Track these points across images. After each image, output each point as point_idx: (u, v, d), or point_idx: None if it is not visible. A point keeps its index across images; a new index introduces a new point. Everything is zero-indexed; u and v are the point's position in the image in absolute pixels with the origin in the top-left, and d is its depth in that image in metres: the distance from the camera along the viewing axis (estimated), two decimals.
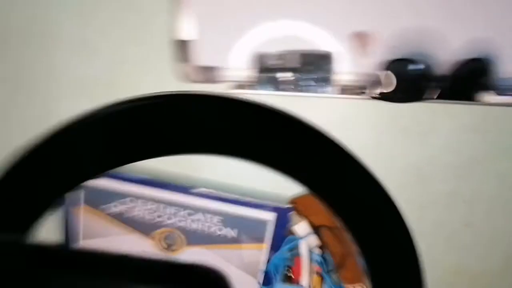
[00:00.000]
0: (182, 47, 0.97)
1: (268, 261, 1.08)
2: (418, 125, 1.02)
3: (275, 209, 1.05)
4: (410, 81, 0.89)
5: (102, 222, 1.12)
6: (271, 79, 0.93)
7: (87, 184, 0.33)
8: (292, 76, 0.92)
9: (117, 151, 0.32)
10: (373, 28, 0.92)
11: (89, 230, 1.14)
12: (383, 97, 0.90)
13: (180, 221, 1.09)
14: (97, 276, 0.22)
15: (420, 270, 0.33)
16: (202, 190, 1.07)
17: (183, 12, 0.94)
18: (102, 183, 1.09)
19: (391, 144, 1.04)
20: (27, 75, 1.07)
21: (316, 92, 0.93)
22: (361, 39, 0.92)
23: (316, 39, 0.94)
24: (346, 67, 0.94)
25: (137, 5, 0.99)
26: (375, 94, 0.90)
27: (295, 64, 0.93)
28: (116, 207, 1.11)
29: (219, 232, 1.08)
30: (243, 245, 1.08)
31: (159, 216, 1.09)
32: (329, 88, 0.92)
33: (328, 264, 1.06)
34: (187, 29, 0.95)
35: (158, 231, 1.11)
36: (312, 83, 0.92)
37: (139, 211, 1.10)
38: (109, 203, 1.11)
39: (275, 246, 1.07)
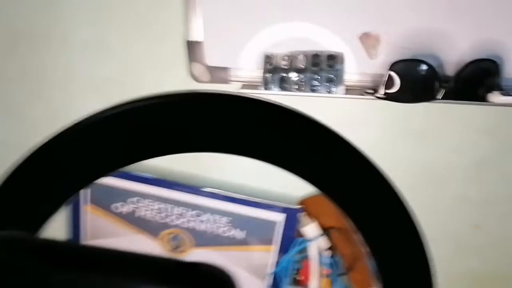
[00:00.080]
0: (193, 48, 0.97)
1: (277, 263, 1.08)
2: (426, 126, 1.02)
3: (284, 210, 1.05)
4: (418, 81, 0.89)
5: (109, 222, 1.12)
6: (279, 80, 0.93)
7: (94, 183, 0.33)
8: (300, 77, 0.92)
9: (127, 149, 0.31)
10: (381, 29, 0.91)
11: (95, 230, 1.14)
12: (391, 97, 0.90)
13: (187, 221, 1.09)
14: (101, 274, 0.22)
15: (431, 273, 0.33)
16: (210, 190, 1.07)
17: (194, 14, 0.94)
18: (109, 182, 1.09)
19: (399, 145, 1.03)
20: (43, 76, 1.09)
21: (324, 92, 0.92)
22: (369, 40, 0.92)
23: (325, 40, 0.93)
24: (355, 68, 0.94)
25: (150, 7, 0.99)
26: (383, 94, 0.90)
27: (304, 64, 0.93)
28: (123, 207, 1.11)
29: (227, 233, 1.08)
30: (251, 247, 1.08)
31: (166, 217, 1.09)
32: (337, 89, 0.92)
33: (338, 266, 1.06)
34: (198, 31, 0.96)
35: (165, 231, 1.11)
36: (321, 83, 0.92)
37: (146, 211, 1.10)
38: (116, 202, 1.11)
39: (284, 248, 1.07)
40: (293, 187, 1.05)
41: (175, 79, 1.02)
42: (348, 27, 0.92)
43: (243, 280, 1.10)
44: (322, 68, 0.92)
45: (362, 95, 0.94)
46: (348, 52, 0.93)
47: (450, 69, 0.91)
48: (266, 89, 0.94)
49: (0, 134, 1.16)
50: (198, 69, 0.98)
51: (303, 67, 0.93)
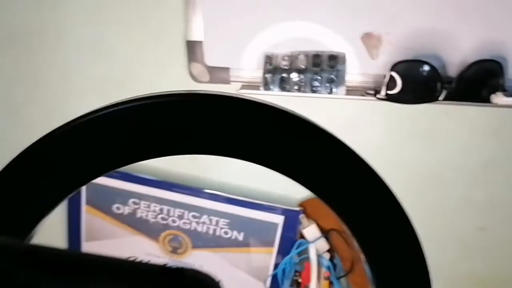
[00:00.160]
0: (193, 48, 0.97)
1: (277, 265, 1.07)
2: (430, 128, 1.01)
3: (284, 211, 1.04)
4: (419, 82, 0.88)
5: (108, 224, 1.12)
6: (280, 80, 0.92)
7: (89, 184, 0.32)
8: (301, 77, 0.91)
9: (122, 149, 0.31)
10: (383, 29, 0.90)
11: (94, 231, 1.13)
12: (392, 98, 0.89)
13: (187, 223, 1.08)
14: (83, 281, 0.21)
15: (428, 279, 0.32)
16: (210, 191, 1.06)
17: (194, 13, 0.94)
18: (109, 183, 1.09)
19: (402, 146, 1.03)
20: (38, 75, 1.08)
21: (325, 93, 0.91)
22: (371, 40, 0.91)
23: (326, 40, 0.93)
24: (356, 68, 0.93)
25: (149, 6, 0.99)
26: (385, 95, 0.89)
27: (304, 65, 0.92)
28: (122, 208, 1.10)
29: (226, 235, 1.07)
30: (251, 249, 1.07)
31: (166, 218, 1.09)
32: (338, 89, 0.91)
33: (337, 269, 1.05)
34: (197, 30, 0.95)
35: (165, 233, 1.10)
36: (321, 84, 0.91)
37: (146, 212, 1.09)
38: (113, 203, 1.10)
39: (284, 250, 1.06)
40: (293, 189, 1.05)
41: (174, 79, 1.02)
42: (350, 27, 0.91)
43: (243, 282, 1.09)
44: (323, 68, 0.91)
45: (363, 96, 0.93)
46: (349, 52, 0.92)
47: (453, 70, 0.90)
48: (266, 89, 0.93)
49: None
50: (197, 69, 0.98)
51: (304, 67, 0.92)
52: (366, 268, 0.32)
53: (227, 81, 0.98)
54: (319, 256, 1.04)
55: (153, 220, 1.09)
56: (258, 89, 0.94)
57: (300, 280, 1.06)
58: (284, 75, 0.92)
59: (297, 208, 1.04)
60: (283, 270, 1.06)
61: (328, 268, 1.04)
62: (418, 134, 1.01)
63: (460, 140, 1.00)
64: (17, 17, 1.05)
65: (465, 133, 1.00)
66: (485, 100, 0.87)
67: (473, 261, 1.10)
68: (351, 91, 0.93)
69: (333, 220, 1.03)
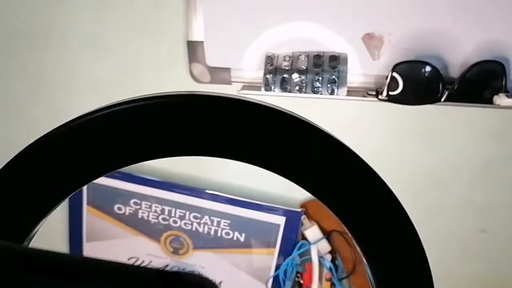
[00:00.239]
0: (194, 48, 0.97)
1: (278, 266, 1.07)
2: (431, 129, 1.00)
3: (285, 212, 1.04)
4: (421, 83, 0.88)
5: (109, 224, 1.11)
6: (281, 81, 0.92)
7: (91, 184, 0.32)
8: (302, 78, 0.91)
9: (122, 150, 0.31)
10: (385, 30, 0.90)
11: (96, 232, 1.13)
12: (394, 99, 0.89)
13: (187, 224, 1.08)
14: (79, 284, 0.21)
15: (430, 281, 0.31)
16: (212, 192, 1.06)
17: (195, 14, 0.94)
18: (110, 183, 1.08)
19: (403, 147, 1.02)
20: (43, 75, 1.09)
21: (326, 94, 0.91)
22: (372, 41, 0.91)
23: (327, 40, 0.92)
24: (357, 69, 0.93)
25: (151, 6, 0.99)
26: (386, 96, 0.89)
27: (305, 65, 0.91)
28: (121, 209, 1.10)
29: (227, 236, 1.07)
30: (252, 250, 1.07)
31: (165, 219, 1.09)
32: (339, 90, 0.91)
33: (339, 270, 1.05)
34: (198, 30, 0.95)
35: (166, 234, 1.10)
36: (322, 84, 0.91)
37: (145, 213, 1.09)
38: (114, 204, 1.10)
39: (285, 251, 1.06)
40: (295, 189, 1.03)
41: (175, 79, 1.02)
42: (351, 27, 0.91)
43: (244, 283, 1.09)
44: (324, 69, 0.91)
45: (364, 96, 0.93)
46: (350, 53, 0.92)
47: (454, 71, 0.90)
48: (267, 90, 0.92)
49: (0, 133, 1.16)
50: (198, 69, 0.98)
51: (305, 68, 0.92)
52: (367, 270, 0.31)
53: (228, 82, 0.98)
54: (320, 258, 1.04)
55: (154, 220, 1.09)
56: (259, 90, 0.93)
57: (301, 282, 1.05)
58: (285, 75, 0.92)
59: (299, 209, 1.04)
60: (285, 271, 1.06)
61: (330, 269, 1.03)
62: (418, 134, 1.01)
63: (460, 140, 1.00)
64: (21, 17, 1.05)
65: (465, 134, 1.00)
66: (487, 101, 0.87)
67: (473, 261, 1.10)
68: (352, 91, 0.93)
69: (334, 221, 1.02)
